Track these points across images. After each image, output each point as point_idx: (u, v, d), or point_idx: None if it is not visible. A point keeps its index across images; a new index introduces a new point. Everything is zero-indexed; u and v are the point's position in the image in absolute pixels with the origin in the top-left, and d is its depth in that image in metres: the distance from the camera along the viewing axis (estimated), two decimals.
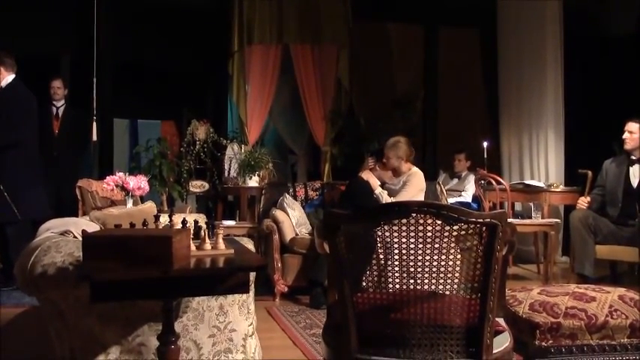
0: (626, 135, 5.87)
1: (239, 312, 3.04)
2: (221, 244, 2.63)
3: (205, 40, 8.71)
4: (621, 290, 2.89)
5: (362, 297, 2.28)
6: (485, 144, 7.30)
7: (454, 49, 9.24)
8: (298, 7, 8.31)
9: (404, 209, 2.16)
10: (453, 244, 2.18)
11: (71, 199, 5.81)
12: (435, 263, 2.17)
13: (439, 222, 2.13)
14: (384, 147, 5.91)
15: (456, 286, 2.21)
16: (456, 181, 8.11)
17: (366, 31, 8.93)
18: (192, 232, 2.65)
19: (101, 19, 7.50)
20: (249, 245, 3.14)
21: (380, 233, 2.20)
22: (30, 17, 7.70)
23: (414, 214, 2.13)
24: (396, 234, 2.16)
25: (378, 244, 2.27)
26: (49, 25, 7.95)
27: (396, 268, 2.22)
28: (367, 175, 5.84)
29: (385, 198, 5.67)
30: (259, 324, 3.39)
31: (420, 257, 2.17)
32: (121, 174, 4.19)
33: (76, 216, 5.15)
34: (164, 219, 2.79)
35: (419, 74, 9.39)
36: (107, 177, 4.25)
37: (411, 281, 2.21)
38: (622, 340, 2.71)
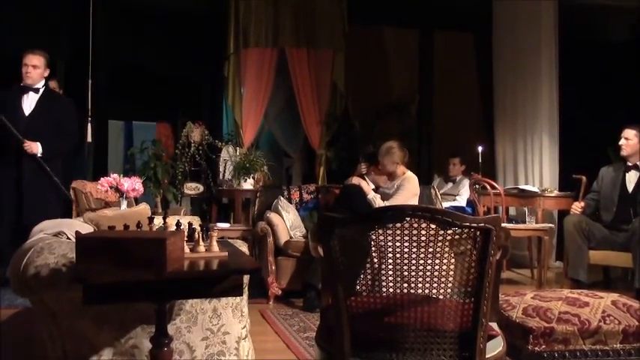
0: (622, 141, 5.90)
1: (232, 315, 3.03)
2: (215, 247, 2.63)
3: (201, 43, 8.71)
4: (614, 296, 2.90)
5: (356, 300, 2.28)
6: (479, 148, 7.30)
7: (449, 53, 9.27)
8: (294, 10, 8.33)
9: (398, 213, 2.16)
10: (447, 249, 2.18)
11: (65, 200, 5.79)
12: (429, 267, 2.17)
13: (433, 226, 2.13)
14: (378, 154, 5.91)
15: (449, 291, 2.21)
16: (450, 185, 8.12)
17: (362, 35, 8.95)
18: (186, 234, 2.65)
19: (97, 21, 7.50)
20: (244, 248, 3.14)
21: (374, 237, 2.20)
22: (25, 19, 7.68)
23: (408, 218, 2.13)
24: (390, 238, 2.16)
25: (373, 248, 2.27)
26: (45, 27, 7.93)
27: (390, 272, 2.22)
28: (357, 181, 5.85)
29: (378, 202, 5.67)
30: (253, 327, 3.39)
31: (414, 261, 2.17)
32: (115, 175, 4.19)
33: (70, 217, 5.14)
34: (158, 221, 2.78)
35: (414, 78, 9.41)
36: (101, 178, 4.24)
37: (405, 285, 2.21)
38: (615, 346, 2.72)
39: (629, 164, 5.92)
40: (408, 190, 5.77)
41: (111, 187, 4.17)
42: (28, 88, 5.69)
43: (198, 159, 7.85)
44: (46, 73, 5.80)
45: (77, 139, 6.06)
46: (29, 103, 5.69)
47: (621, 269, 6.37)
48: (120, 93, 8.66)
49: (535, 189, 7.19)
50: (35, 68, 5.66)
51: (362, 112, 8.81)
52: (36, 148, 5.55)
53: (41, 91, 5.75)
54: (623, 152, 5.92)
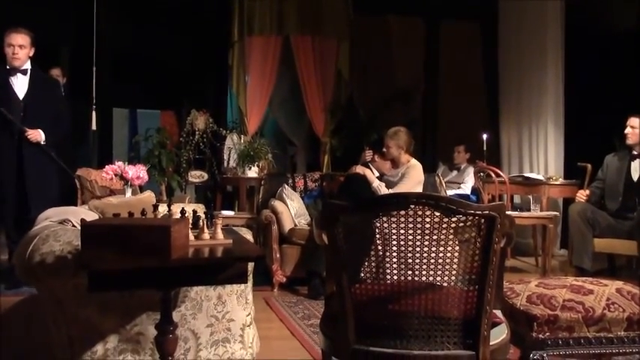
0: (628, 130, 5.89)
1: (237, 302, 3.04)
2: (219, 234, 2.63)
3: (205, 31, 8.70)
4: (619, 283, 2.90)
5: (360, 288, 2.28)
6: (484, 136, 7.29)
7: (455, 42, 9.23)
8: None
9: (403, 200, 2.16)
10: (451, 236, 2.18)
11: (70, 188, 5.80)
12: (433, 255, 2.16)
13: (438, 214, 2.13)
14: (385, 136, 5.91)
15: (453, 278, 2.21)
16: (455, 173, 8.12)
17: (367, 23, 8.92)
18: (190, 221, 2.65)
19: (101, 9, 7.49)
20: (248, 236, 3.14)
21: (378, 224, 2.20)
22: (29, 6, 7.67)
23: (412, 206, 2.12)
24: (394, 225, 2.16)
25: (377, 236, 2.27)
26: (49, 15, 7.92)
27: (394, 260, 2.22)
28: (361, 169, 5.84)
29: (383, 191, 5.67)
30: (257, 314, 3.40)
31: (418, 249, 2.16)
32: (120, 163, 4.19)
33: (75, 205, 5.15)
34: (163, 208, 2.79)
35: (419, 67, 9.38)
36: (106, 166, 4.24)
37: (409, 272, 2.21)
38: (619, 333, 2.72)
39: (635, 153, 5.90)
40: (413, 178, 5.76)
41: (116, 175, 4.17)
42: (15, 70, 5.40)
43: (202, 147, 7.87)
44: (32, 53, 5.48)
45: (70, 121, 5.79)
46: (20, 86, 5.42)
47: (626, 257, 6.36)
48: (124, 81, 8.66)
49: (540, 177, 7.19)
50: (22, 48, 5.35)
51: (367, 101, 8.80)
52: (39, 136, 5.34)
53: (29, 72, 5.47)
54: (629, 141, 5.91)
